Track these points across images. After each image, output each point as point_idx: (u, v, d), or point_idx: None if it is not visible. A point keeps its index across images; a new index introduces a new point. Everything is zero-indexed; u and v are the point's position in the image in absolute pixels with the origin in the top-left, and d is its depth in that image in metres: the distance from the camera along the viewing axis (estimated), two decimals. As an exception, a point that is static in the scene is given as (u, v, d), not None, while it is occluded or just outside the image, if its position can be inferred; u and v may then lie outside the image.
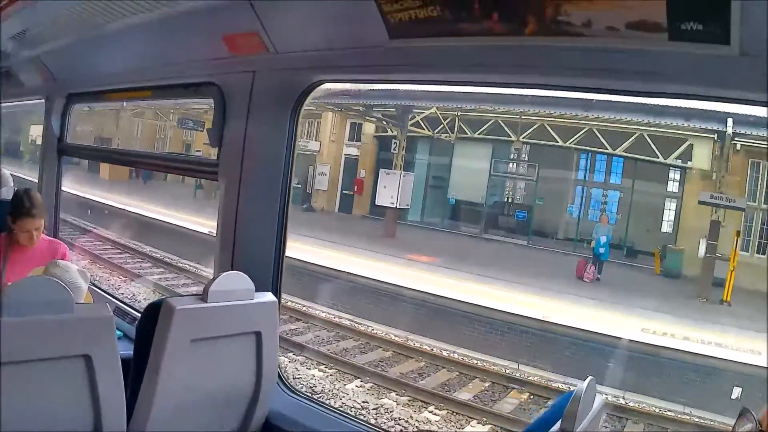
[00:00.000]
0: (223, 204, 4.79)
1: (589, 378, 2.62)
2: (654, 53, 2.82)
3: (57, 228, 7.58)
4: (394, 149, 32.32)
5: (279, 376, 4.46)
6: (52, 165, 7.66)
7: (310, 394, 11.42)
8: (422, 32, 3.43)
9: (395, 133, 32.37)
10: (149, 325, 3.64)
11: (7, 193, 6.04)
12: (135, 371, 3.68)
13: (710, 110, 22.02)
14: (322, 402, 5.55)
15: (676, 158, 27.52)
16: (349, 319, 18.42)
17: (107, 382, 3.29)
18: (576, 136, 29.05)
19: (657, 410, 13.76)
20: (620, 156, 29.26)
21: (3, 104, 11.82)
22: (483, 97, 25.93)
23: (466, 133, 31.92)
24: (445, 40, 3.40)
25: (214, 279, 3.77)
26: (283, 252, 4.68)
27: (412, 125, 31.84)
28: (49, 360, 3.15)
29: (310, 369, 14.80)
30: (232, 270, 4.04)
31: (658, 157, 27.63)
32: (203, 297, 3.69)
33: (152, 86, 6.04)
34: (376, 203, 32.42)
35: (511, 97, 25.24)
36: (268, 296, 4.07)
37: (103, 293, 6.81)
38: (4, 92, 10.15)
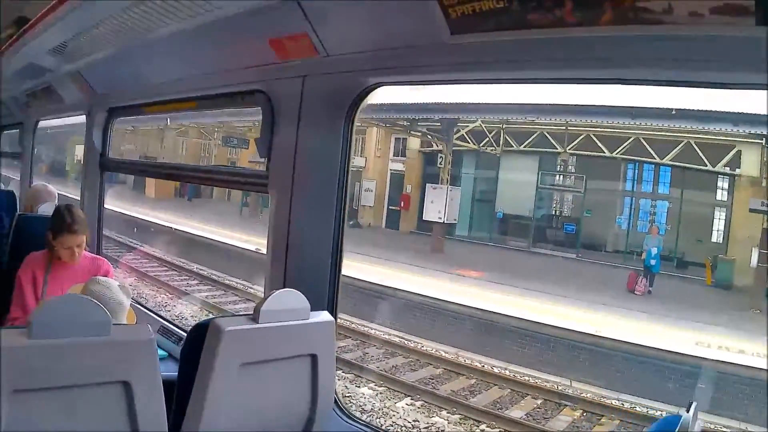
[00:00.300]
0: (274, 217, 4.57)
1: (694, 403, 2.33)
2: (738, 40, 2.53)
3: (100, 244, 7.52)
4: (440, 164, 32.20)
5: (335, 401, 4.20)
6: (95, 180, 7.62)
7: (360, 414, 11.22)
8: (487, 26, 3.15)
9: (440, 147, 32.20)
10: (195, 347, 3.39)
11: (50, 209, 5.86)
12: (179, 395, 3.43)
13: (758, 114, 21.35)
14: (380, 428, 5.30)
15: (725, 165, 27.03)
16: (398, 336, 18.17)
17: (148, 410, 3.05)
18: (623, 146, 28.74)
19: (712, 425, 13.39)
20: (668, 165, 28.84)
21: (47, 122, 11.86)
22: (528, 108, 25.61)
23: (512, 146, 31.67)
24: (512, 34, 3.10)
25: (266, 298, 3.49)
26: (340, 267, 4.40)
27: (457, 139, 31.62)
28: (84, 386, 2.91)
29: (359, 387, 14.59)
30: (285, 288, 3.78)
31: (706, 165, 27.17)
32: (254, 317, 3.42)
33: (196, 97, 5.86)
34: (424, 218, 32.14)
35: (557, 108, 24.89)
36: (325, 315, 3.80)
37: (147, 311, 6.66)
38: (44, 108, 10.16)
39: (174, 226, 31.20)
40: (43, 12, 5.70)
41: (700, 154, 26.97)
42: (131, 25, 5.14)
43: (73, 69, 7.36)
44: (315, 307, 3.73)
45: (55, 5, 5.35)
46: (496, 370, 16.16)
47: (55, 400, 2.83)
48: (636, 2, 2.64)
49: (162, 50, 5.56)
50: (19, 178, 12.07)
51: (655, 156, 28.46)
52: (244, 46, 4.68)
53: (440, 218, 30.64)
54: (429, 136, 33.46)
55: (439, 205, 30.72)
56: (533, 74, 3.53)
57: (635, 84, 3.47)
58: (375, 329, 18.54)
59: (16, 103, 11.14)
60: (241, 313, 4.35)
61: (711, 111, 21.70)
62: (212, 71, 5.36)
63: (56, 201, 7.45)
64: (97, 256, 6.03)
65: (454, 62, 3.56)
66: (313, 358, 3.69)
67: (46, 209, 6.46)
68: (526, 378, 15.72)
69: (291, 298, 3.60)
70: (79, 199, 7.98)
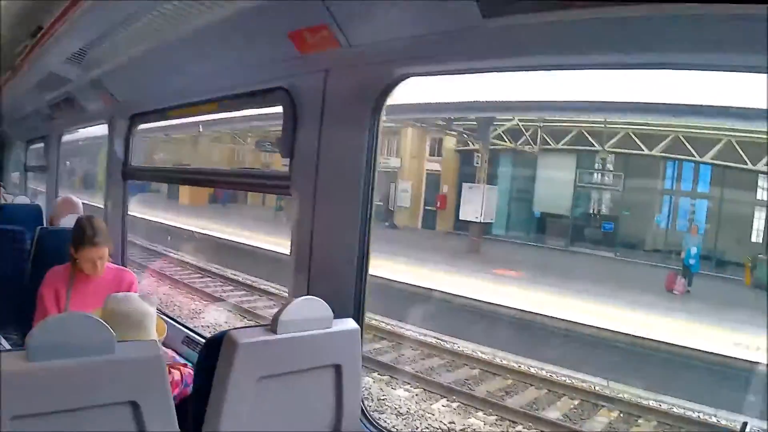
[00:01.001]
0: (297, 221, 4.38)
1: (748, 425, 2.11)
2: None
3: (125, 255, 7.46)
4: (477, 163, 32.20)
5: (363, 412, 3.98)
6: (118, 189, 7.59)
7: (396, 417, 11.10)
8: (522, 6, 2.88)
9: (477, 146, 32.18)
10: (211, 361, 3.21)
11: (72, 221, 5.76)
12: (195, 411, 3.26)
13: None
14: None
15: (766, 164, 26.54)
16: (434, 337, 17.99)
17: (159, 429, 2.89)
18: (662, 144, 28.53)
19: (757, 429, 13.19)
20: (708, 163, 28.55)
21: (79, 134, 11.86)
22: (565, 105, 25.39)
23: (550, 144, 31.53)
24: (549, 15, 2.84)
25: (284, 307, 3.30)
26: (366, 272, 4.16)
27: (493, 138, 31.52)
28: (90, 408, 2.75)
29: (395, 389, 14.48)
30: (308, 294, 3.58)
31: (747, 164, 26.76)
32: (272, 328, 3.24)
33: (217, 98, 5.70)
34: (460, 218, 32.11)
35: (595, 105, 24.66)
36: (349, 323, 3.62)
37: (171, 321, 6.50)
38: (68, 120, 10.16)
39: (206, 232, 31.34)
40: (56, 17, 5.61)
41: (741, 152, 26.66)
42: (147, 27, 5.07)
43: (92, 77, 7.33)
44: (341, 314, 3.58)
45: (68, 11, 5.25)
46: (532, 370, 16.01)
47: (59, 424, 2.68)
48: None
49: (180, 52, 5.45)
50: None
51: (695, 154, 28.20)
52: (264, 41, 4.50)
53: (477, 218, 30.59)
54: (465, 136, 33.43)
55: (476, 204, 30.69)
56: (572, 59, 3.26)
57: (687, 69, 3.15)
58: (410, 330, 18.40)
59: (40, 115, 11.14)
60: (257, 324, 4.18)
61: (752, 108, 21.36)
62: (232, 70, 5.23)
63: (81, 213, 7.36)
64: (121, 268, 5.95)
65: (486, 48, 3.33)
66: (338, 368, 3.51)
67: (69, 222, 6.34)
68: (563, 378, 15.54)
69: (312, 307, 3.42)
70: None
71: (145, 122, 7.69)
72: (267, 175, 5.70)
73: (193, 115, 6.60)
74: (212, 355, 3.20)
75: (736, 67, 2.78)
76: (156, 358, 2.94)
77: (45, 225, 8.33)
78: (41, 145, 12.57)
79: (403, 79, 3.87)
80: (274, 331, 3.22)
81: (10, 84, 9.93)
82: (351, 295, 4.12)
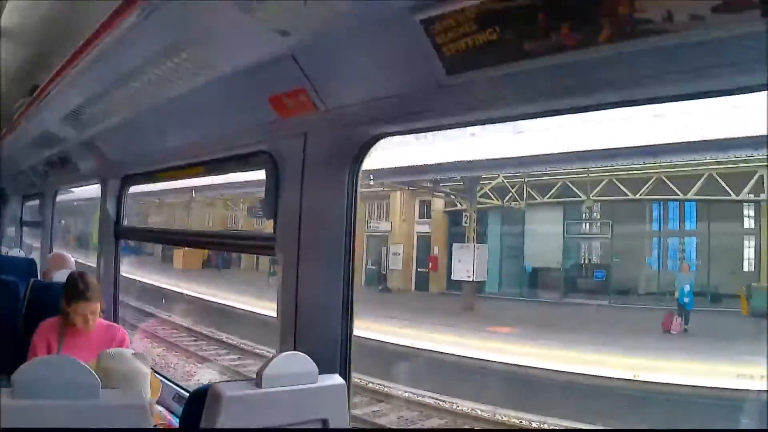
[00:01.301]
0: (282, 280, 4.44)
1: None
2: (746, 40, 2.33)
3: (116, 312, 7.48)
4: (465, 222, 32.24)
5: None
6: (110, 248, 7.65)
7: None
8: (483, 61, 3.00)
9: (465, 206, 32.26)
10: (195, 414, 3.24)
11: (65, 276, 5.84)
12: None
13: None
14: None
15: (749, 193, 26.59)
16: (433, 398, 17.82)
17: None
18: (645, 187, 28.73)
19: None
20: (692, 200, 28.72)
21: (75, 194, 11.89)
22: (548, 158, 25.48)
23: (536, 198, 31.71)
24: (510, 67, 2.95)
25: (268, 361, 3.35)
26: (351, 328, 4.23)
27: (480, 196, 31.72)
28: None
29: (396, 452, 14.36)
30: (295, 351, 3.64)
31: (730, 195, 26.81)
32: (257, 382, 3.27)
33: (202, 162, 5.82)
34: (453, 278, 32.16)
35: (576, 155, 24.74)
36: (335, 379, 3.63)
37: (163, 379, 6.52)
38: (62, 178, 10.27)
39: (200, 295, 31.16)
40: (51, 77, 5.71)
41: (723, 184, 26.78)
42: (137, 91, 5.14)
43: (86, 137, 7.43)
44: (327, 369, 3.60)
45: (62, 71, 5.35)
46: (534, 424, 15.94)
47: None
48: (633, 14, 2.47)
49: (168, 116, 5.54)
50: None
51: (679, 192, 28.34)
52: (247, 106, 4.60)
53: (469, 277, 30.63)
54: (452, 196, 33.61)
55: (467, 263, 30.81)
56: (537, 107, 3.33)
57: (643, 104, 3.26)
58: (409, 392, 18.23)
59: (36, 172, 11.25)
60: (243, 378, 4.18)
61: (729, 138, 21.42)
62: (218, 134, 5.31)
63: (73, 269, 7.44)
64: (113, 324, 6.01)
65: (454, 104, 3.42)
66: (324, 423, 3.50)
67: (62, 276, 6.42)
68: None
69: (296, 362, 3.45)
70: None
71: (137, 183, 7.83)
72: (253, 236, 5.82)
73: (182, 179, 6.68)
74: (197, 408, 3.22)
75: (712, 93, 2.88)
76: (140, 406, 2.98)
77: (39, 278, 8.41)
78: (36, 201, 12.65)
79: (378, 140, 3.98)
80: (259, 385, 3.25)
81: (7, 140, 10.03)
82: (337, 353, 4.17)
